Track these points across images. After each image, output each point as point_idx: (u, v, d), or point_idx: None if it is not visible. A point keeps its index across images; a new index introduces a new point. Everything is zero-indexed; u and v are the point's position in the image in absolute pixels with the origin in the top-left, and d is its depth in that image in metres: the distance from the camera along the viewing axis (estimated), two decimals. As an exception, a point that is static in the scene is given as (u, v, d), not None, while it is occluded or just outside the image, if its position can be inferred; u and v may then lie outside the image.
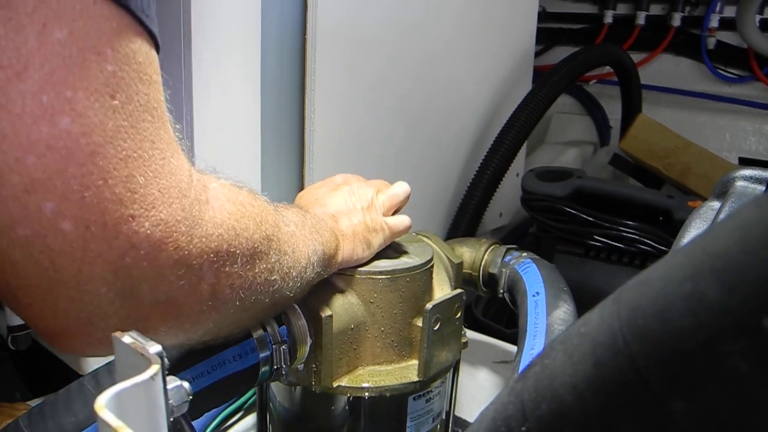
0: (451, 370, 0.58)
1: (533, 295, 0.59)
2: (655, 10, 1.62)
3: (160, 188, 0.30)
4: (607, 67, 1.46)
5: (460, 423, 0.66)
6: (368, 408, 0.53)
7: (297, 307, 0.48)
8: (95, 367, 0.44)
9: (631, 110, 1.44)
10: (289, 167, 0.76)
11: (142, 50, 0.29)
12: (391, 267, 0.52)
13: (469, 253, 0.68)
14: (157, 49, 0.31)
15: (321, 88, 0.74)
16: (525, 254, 0.67)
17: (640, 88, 1.46)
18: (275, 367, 0.47)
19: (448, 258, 0.61)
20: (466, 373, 0.74)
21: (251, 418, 0.66)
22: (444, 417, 0.59)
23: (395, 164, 0.91)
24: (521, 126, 1.02)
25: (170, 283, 0.31)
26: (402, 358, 0.52)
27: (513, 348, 0.77)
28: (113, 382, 0.25)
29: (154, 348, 0.27)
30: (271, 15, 0.68)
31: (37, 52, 0.26)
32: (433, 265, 0.56)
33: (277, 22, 0.70)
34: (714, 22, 1.53)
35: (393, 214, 0.57)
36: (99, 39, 0.27)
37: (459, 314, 0.54)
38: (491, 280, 0.67)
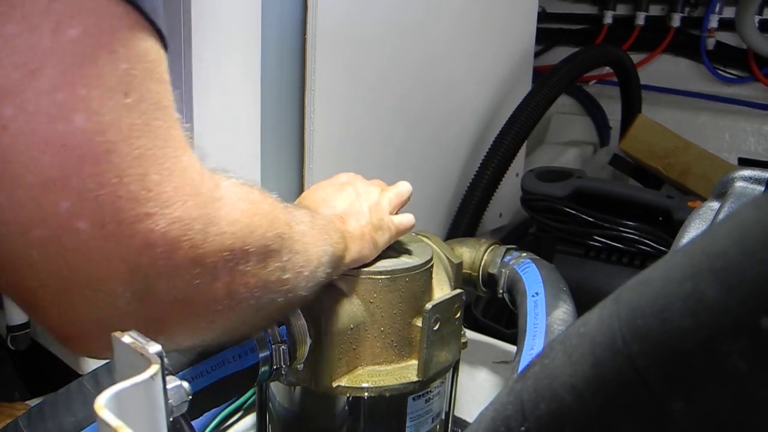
0: (451, 370, 0.58)
1: (533, 296, 0.59)
2: (655, 10, 1.62)
3: (174, 186, 0.29)
4: (607, 68, 1.46)
5: (460, 423, 0.66)
6: (368, 408, 0.53)
7: (297, 307, 0.48)
8: (95, 367, 0.44)
9: (630, 111, 1.44)
10: (289, 167, 0.76)
11: (153, 49, 0.29)
12: (391, 267, 0.52)
13: (468, 253, 0.68)
14: (166, 48, 0.31)
15: (321, 88, 0.74)
16: (524, 254, 0.67)
17: (640, 89, 1.46)
18: (275, 367, 0.47)
19: (448, 258, 0.61)
20: (465, 373, 0.74)
21: (251, 418, 0.66)
22: (443, 417, 0.59)
23: (395, 164, 0.91)
24: (521, 126, 1.02)
25: (186, 281, 0.31)
26: (401, 358, 0.52)
27: (512, 348, 0.77)
28: (113, 382, 0.25)
29: (154, 348, 0.26)
30: (271, 15, 0.68)
31: (51, 51, 0.25)
32: (432, 265, 0.56)
33: (277, 22, 0.70)
34: (713, 23, 1.53)
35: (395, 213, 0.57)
36: (112, 37, 0.27)
37: (459, 314, 0.54)
38: (491, 280, 0.67)
